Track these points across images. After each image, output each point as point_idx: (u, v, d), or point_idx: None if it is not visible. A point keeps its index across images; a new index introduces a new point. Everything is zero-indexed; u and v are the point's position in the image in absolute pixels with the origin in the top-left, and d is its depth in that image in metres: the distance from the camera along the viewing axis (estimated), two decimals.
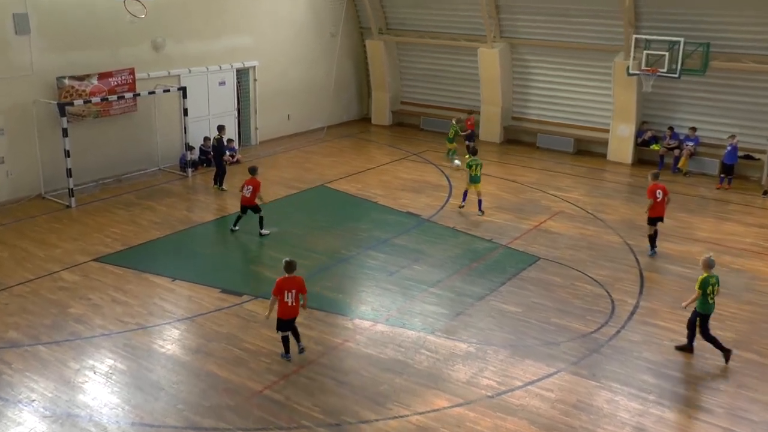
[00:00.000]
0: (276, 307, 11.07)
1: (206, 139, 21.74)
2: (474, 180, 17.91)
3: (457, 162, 19.24)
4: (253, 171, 16.24)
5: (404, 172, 21.74)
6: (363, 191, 19.86)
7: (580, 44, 23.63)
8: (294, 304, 11.00)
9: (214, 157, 19.90)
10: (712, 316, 11.60)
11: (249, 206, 16.20)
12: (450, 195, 19.48)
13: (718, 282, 11.46)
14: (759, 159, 21.11)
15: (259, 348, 11.57)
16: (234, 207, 18.38)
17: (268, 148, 24.32)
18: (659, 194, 15.47)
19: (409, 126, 28.02)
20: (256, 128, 24.89)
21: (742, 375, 11.10)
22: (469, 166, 17.81)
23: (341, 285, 14.04)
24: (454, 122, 23.44)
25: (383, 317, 12.75)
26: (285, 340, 11.21)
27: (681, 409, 10.22)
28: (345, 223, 17.29)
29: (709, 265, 11.44)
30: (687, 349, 11.66)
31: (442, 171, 21.77)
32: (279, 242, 16.04)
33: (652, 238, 15.72)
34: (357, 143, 25.57)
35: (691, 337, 11.64)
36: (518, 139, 26.01)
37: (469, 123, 23.87)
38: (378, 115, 28.53)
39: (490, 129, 25.90)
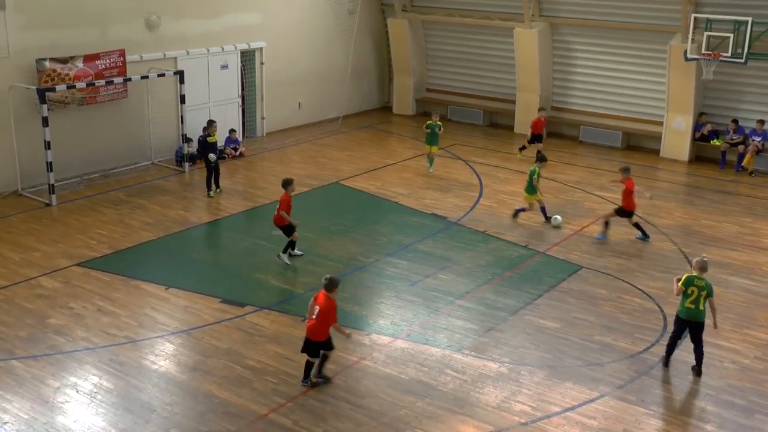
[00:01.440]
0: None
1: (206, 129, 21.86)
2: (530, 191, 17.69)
3: (557, 219, 17.65)
4: (284, 184, 15.30)
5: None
6: (383, 190, 19.89)
7: (630, 24, 23.53)
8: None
9: (203, 157, 19.68)
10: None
11: (278, 227, 15.41)
12: (481, 194, 19.46)
13: (707, 289, 11.42)
14: None
15: (264, 366, 11.62)
16: (235, 206, 18.52)
17: (276, 141, 24.43)
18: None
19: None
20: (263, 118, 25.02)
21: None
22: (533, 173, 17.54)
23: (358, 296, 14.07)
24: (432, 120, 21.37)
25: (404, 332, 12.76)
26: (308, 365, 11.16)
27: None
28: (362, 225, 17.33)
29: (699, 266, 11.60)
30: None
31: (472, 168, 21.76)
32: None
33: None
34: (376, 135, 25.61)
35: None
36: (559, 131, 25.91)
37: (536, 123, 22.47)
38: (400, 103, 28.58)
39: (527, 120, 25.72)
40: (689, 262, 15.61)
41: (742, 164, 22.10)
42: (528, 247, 16.34)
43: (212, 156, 18.91)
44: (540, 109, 23.11)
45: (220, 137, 22.14)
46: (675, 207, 19.06)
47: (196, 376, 11.36)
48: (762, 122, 22.05)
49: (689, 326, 11.57)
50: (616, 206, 17.22)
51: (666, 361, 11.87)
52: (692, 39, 21.04)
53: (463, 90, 27.82)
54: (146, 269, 14.94)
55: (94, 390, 10.96)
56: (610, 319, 13.30)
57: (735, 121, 22.57)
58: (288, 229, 15.19)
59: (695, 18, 20.99)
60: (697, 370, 11.66)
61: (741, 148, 22.19)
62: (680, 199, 19.76)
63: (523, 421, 10.42)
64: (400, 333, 12.73)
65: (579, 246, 16.44)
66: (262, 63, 24.41)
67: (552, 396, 11.01)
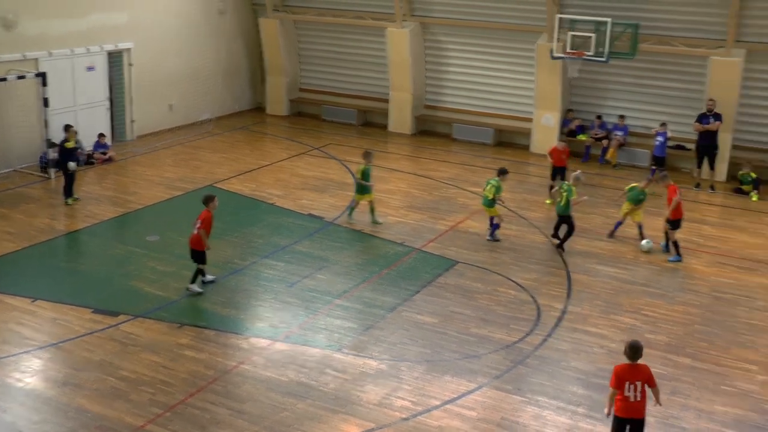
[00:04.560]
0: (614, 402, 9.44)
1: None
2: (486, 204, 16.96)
3: (647, 244, 16.67)
4: (206, 200, 14.14)
5: (304, 169, 21.73)
6: (258, 191, 19.74)
7: (499, 24, 24.17)
8: (639, 399, 9.34)
9: (61, 164, 18.81)
10: None
11: (192, 250, 13.93)
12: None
13: (569, 190, 16.12)
14: (690, 150, 22.06)
15: (139, 376, 11.34)
16: (105, 212, 17.99)
17: (148, 144, 23.85)
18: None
19: (309, 116, 28.04)
20: (132, 121, 24.37)
21: (675, 381, 11.60)
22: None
23: (234, 299, 13.92)
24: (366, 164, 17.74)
25: (283, 334, 12.71)
26: None
27: None
28: (238, 228, 17.14)
29: (575, 179, 16.26)
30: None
31: (347, 167, 21.86)
32: (162, 252, 15.77)
33: (675, 243, 16.22)
34: (250, 136, 25.40)
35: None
36: (432, 129, 26.41)
37: (556, 154, 19.70)
38: (274, 104, 28.41)
39: (400, 119, 26.17)
40: (560, 253, 16.24)
41: (606, 157, 23.07)
42: (404, 245, 16.54)
43: (72, 165, 18.21)
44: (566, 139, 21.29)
45: (88, 142, 21.55)
46: (545, 200, 19.68)
47: (66, 391, 10.96)
48: (623, 117, 23.07)
49: (560, 219, 16.33)
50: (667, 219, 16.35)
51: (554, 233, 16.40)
52: (558, 39, 21.75)
53: (336, 89, 27.89)
54: (10, 282, 14.29)
55: None
56: (486, 312, 13.63)
57: (599, 116, 23.55)
58: (200, 255, 13.88)
59: (560, 18, 21.71)
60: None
61: (605, 142, 23.16)
62: (547, 194, 20.35)
63: (404, 416, 10.56)
64: (279, 335, 12.68)
65: (454, 241, 16.76)
66: (130, 64, 23.77)
67: (432, 390, 11.20)
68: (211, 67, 26.60)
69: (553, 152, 19.63)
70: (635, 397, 9.21)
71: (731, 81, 21.06)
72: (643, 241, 16.65)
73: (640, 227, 16.79)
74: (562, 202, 16.34)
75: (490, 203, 16.69)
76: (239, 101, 28.66)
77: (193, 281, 13.97)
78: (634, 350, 9.24)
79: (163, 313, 13.25)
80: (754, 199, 20.40)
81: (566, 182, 16.82)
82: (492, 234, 16.92)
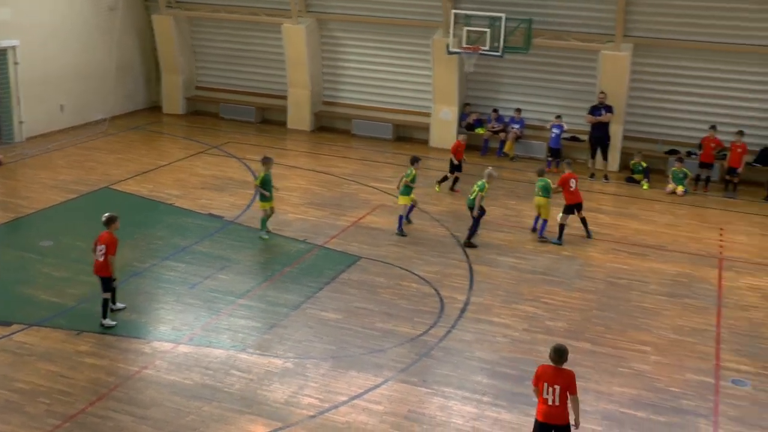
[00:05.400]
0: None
1: None
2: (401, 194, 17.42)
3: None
4: (108, 222, 12.76)
5: (203, 168, 21.45)
6: (156, 192, 19.37)
7: (395, 20, 24.35)
8: (558, 404, 9.04)
9: None
10: None
11: (99, 277, 12.72)
12: (256, 192, 19.38)
13: (481, 186, 16.45)
14: (584, 141, 22.74)
15: (35, 387, 10.97)
16: None
17: (38, 146, 23.07)
18: (573, 183, 16.87)
19: (207, 114, 27.71)
20: (21, 122, 23.51)
21: (575, 365, 11.85)
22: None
23: (135, 303, 13.62)
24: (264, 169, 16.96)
25: (186, 337, 12.53)
26: None
27: (517, 408, 10.83)
28: (136, 230, 16.77)
29: (488, 175, 16.56)
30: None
31: (246, 165, 21.67)
32: (56, 257, 15.30)
33: (563, 227, 16.97)
34: (146, 136, 24.88)
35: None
36: (331, 126, 26.45)
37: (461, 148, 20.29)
38: (170, 102, 27.91)
39: (298, 116, 26.09)
40: (461, 245, 16.50)
41: (504, 150, 23.56)
42: (306, 242, 16.52)
43: None
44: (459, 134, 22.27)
45: None
46: (445, 194, 19.96)
47: None
48: (519, 111, 23.60)
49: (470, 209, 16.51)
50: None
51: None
52: (453, 34, 22.07)
53: (234, 87, 27.60)
54: None
55: None
56: (389, 306, 13.74)
57: (496, 110, 24.02)
58: (108, 282, 12.73)
59: (455, 14, 22.02)
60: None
61: (502, 135, 23.64)
62: (448, 187, 20.66)
63: (311, 414, 10.56)
64: (182, 338, 12.49)
65: (356, 237, 16.83)
66: (16, 63, 22.92)
67: (338, 386, 11.23)
68: (104, 66, 25.90)
69: (458, 147, 20.03)
70: (553, 401, 8.96)
71: (620, 74, 21.82)
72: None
73: (544, 222, 17.16)
74: (472, 196, 16.69)
75: (406, 191, 17.12)
76: (134, 100, 28.02)
77: (105, 315, 12.72)
78: (558, 353, 9.04)
79: (60, 321, 12.86)
80: (645, 187, 21.20)
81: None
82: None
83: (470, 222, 16.74)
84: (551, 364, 9.11)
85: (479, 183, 16.78)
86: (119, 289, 13.52)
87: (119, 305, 13.27)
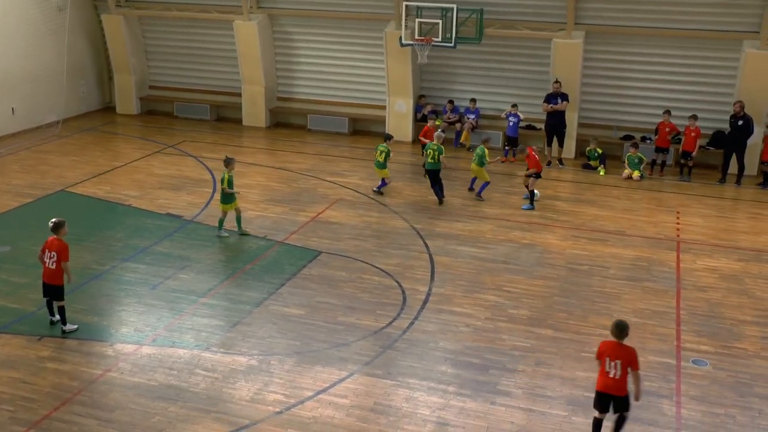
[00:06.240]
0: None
1: None
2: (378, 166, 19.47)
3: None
4: (56, 227, 12.43)
5: (160, 168, 21.30)
6: (113, 193, 19.20)
7: (347, 14, 24.35)
8: (619, 377, 9.50)
9: None
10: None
11: (51, 286, 12.41)
12: (214, 190, 19.34)
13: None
14: (540, 129, 22.99)
15: None
16: None
17: None
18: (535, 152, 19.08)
19: (161, 114, 27.50)
20: None
21: (538, 353, 12.15)
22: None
23: (96, 306, 13.52)
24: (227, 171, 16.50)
25: (149, 338, 12.48)
26: (596, 425, 9.88)
27: (482, 396, 10.97)
28: (95, 232, 16.63)
29: (438, 138, 18.75)
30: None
31: (203, 163, 21.56)
32: (14, 263, 15.10)
33: (533, 192, 18.82)
34: (101, 138, 24.63)
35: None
36: (287, 122, 26.42)
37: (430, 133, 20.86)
38: (123, 103, 27.64)
39: (253, 112, 26.02)
40: (421, 237, 16.63)
41: (460, 141, 23.73)
42: (266, 238, 16.51)
43: None
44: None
45: None
46: (403, 186, 20.07)
47: None
48: (474, 101, 23.76)
49: (429, 173, 18.58)
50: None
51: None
52: (406, 26, 22.17)
53: (188, 85, 27.39)
54: None
55: None
56: (352, 300, 13.81)
57: (451, 101, 24.16)
58: (60, 291, 12.42)
59: (407, 6, 22.06)
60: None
61: (458, 126, 23.80)
62: (407, 178, 20.79)
63: (277, 410, 10.59)
64: (145, 339, 12.44)
65: (316, 232, 16.87)
66: None
67: (303, 381, 11.27)
68: (54, 67, 25.52)
69: (426, 131, 21.30)
70: (614, 374, 9.42)
71: (573, 62, 22.08)
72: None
73: (484, 183, 19.20)
74: (430, 159, 18.61)
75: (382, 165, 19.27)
76: (87, 102, 27.69)
77: (64, 322, 12.49)
78: (619, 329, 9.47)
79: (20, 327, 12.72)
80: (602, 173, 21.52)
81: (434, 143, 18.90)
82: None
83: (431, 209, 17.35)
84: (612, 339, 9.53)
85: (434, 146, 18.60)
86: (77, 291, 13.42)
87: (58, 318, 12.63)
